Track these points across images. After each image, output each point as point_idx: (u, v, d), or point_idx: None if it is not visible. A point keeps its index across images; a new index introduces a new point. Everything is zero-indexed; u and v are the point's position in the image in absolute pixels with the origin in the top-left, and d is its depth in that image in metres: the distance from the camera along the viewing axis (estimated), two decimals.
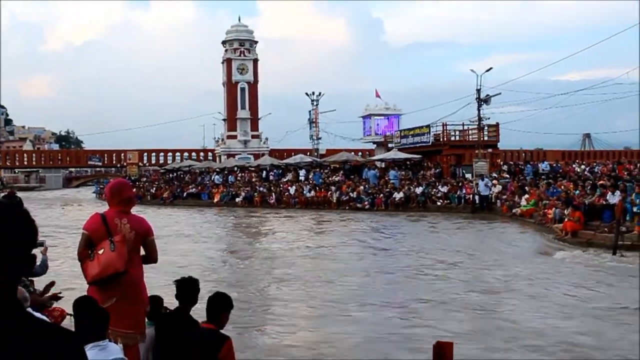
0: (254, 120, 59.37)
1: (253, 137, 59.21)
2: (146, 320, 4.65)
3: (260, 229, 23.48)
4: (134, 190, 52.59)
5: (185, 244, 18.48)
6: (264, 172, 45.56)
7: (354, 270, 13.19)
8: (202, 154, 63.51)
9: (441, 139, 38.47)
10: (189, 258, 15.46)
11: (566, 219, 18.19)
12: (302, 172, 41.46)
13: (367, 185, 34.30)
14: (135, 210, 4.78)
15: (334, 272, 12.82)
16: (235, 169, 48.98)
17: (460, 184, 30.72)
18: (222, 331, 4.07)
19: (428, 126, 39.25)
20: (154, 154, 62.37)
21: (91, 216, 4.58)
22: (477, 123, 34.26)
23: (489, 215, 26.35)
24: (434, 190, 31.06)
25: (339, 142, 54.56)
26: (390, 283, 11.73)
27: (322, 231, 22.28)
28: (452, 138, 39.46)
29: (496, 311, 9.35)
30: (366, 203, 31.89)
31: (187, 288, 4.56)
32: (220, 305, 4.14)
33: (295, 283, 11.70)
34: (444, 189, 30.61)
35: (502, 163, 34.84)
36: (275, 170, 44.57)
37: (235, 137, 58.84)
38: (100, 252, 4.37)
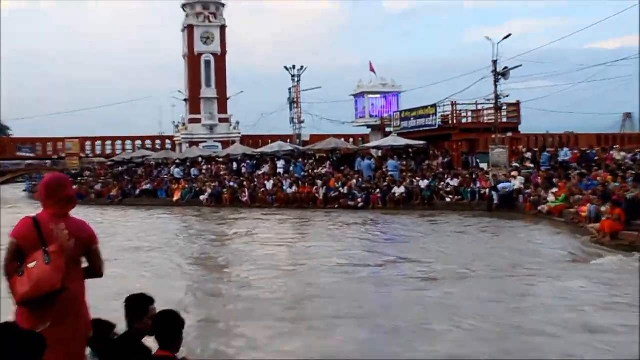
0: (222, 101, 59.28)
1: (221, 121, 59.15)
2: (88, 349, 4.58)
3: (228, 234, 23.37)
4: (75, 187, 52.48)
5: (137, 254, 18.37)
6: (235, 163, 45.54)
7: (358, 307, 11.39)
8: (158, 142, 63.25)
9: (450, 122, 38.64)
10: (139, 271, 15.35)
11: (604, 218, 18.25)
12: (281, 163, 41.53)
13: (360, 179, 34.35)
14: (76, 212, 4.68)
15: (330, 310, 11.03)
16: (200, 160, 48.93)
17: (473, 176, 30.82)
18: (178, 356, 4.08)
19: (434, 106, 39.40)
20: (98, 142, 62.01)
21: (20, 221, 4.51)
22: (493, 102, 34.35)
23: (510, 214, 26.51)
24: (442, 183, 31.16)
25: (325, 126, 54.61)
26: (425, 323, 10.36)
27: (306, 235, 22.23)
28: (464, 120, 39.61)
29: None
30: (359, 200, 31.94)
31: (139, 307, 4.49)
32: (172, 326, 4.15)
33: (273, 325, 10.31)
34: (454, 182, 30.73)
35: (524, 150, 34.99)
36: (248, 162, 44.66)
37: (198, 121, 58.72)
38: (32, 265, 4.32)
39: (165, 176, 45.04)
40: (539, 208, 25.07)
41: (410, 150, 39.86)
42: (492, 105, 35.16)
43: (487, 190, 28.85)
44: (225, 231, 24.79)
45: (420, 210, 29.40)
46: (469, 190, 29.83)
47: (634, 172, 22.97)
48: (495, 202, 28.15)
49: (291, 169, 39.89)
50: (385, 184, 32.52)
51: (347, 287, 12.95)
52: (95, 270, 4.67)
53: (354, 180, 34.12)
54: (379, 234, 21.92)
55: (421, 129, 40.15)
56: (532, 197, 26.21)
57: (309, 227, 25.52)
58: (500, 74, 33.23)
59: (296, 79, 54.29)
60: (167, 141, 62.89)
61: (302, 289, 12.87)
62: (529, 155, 33.65)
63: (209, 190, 38.48)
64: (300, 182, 35.66)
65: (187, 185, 40.82)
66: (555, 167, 30.03)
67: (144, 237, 22.63)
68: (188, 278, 14.91)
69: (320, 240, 20.26)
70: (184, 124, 60.04)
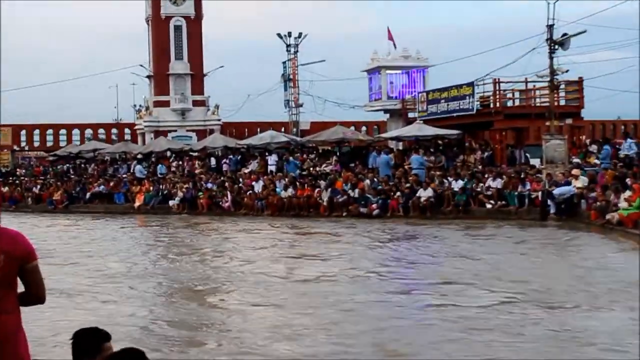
0: (197, 78, 59.35)
1: (196, 104, 59.25)
2: None
3: (202, 255, 23.34)
4: (5, 189, 52.14)
5: (86, 277, 18.35)
6: (214, 159, 45.50)
7: None
8: (114, 131, 63.38)
9: (491, 105, 38.56)
10: (89, 300, 15.32)
11: None
12: (272, 159, 41.56)
13: (375, 179, 34.34)
14: (7, 221, 4.64)
15: None
16: (168, 154, 48.94)
17: (522, 176, 30.79)
18: None
19: (471, 84, 39.41)
20: (36, 131, 62.08)
21: None
22: (547, 79, 34.26)
23: (569, 223, 26.46)
24: (481, 185, 31.13)
25: (331, 110, 54.74)
26: None
27: (310, 257, 22.12)
28: (509, 103, 39.57)
29: None
30: (374, 206, 31.97)
31: (90, 344, 4.46)
32: None
33: None
34: (497, 184, 30.70)
35: (588, 142, 34.97)
36: (231, 157, 44.75)
37: (166, 104, 58.80)
38: None
39: (124, 175, 45.08)
40: (607, 217, 25.00)
41: (440, 142, 39.76)
42: (546, 84, 35.05)
43: (540, 194, 28.81)
44: (199, 246, 24.73)
45: (452, 219, 29.37)
46: (516, 194, 29.78)
47: None
48: (551, 209, 28.10)
49: (286, 166, 39.87)
50: (408, 185, 32.48)
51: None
52: (35, 295, 4.63)
53: (368, 181, 34.10)
54: (418, 254, 21.63)
55: (454, 114, 40.19)
56: (598, 203, 26.14)
57: (311, 241, 25.43)
58: (557, 43, 33.11)
59: (292, 50, 54.49)
60: (126, 130, 63.10)
61: None
62: (594, 148, 33.64)
63: (181, 194, 38.49)
64: (298, 183, 35.63)
65: (152, 187, 40.86)
66: (630, 164, 29.91)
67: (93, 254, 22.60)
68: (150, 308, 14.86)
69: (332, 263, 20.09)
70: (147, 108, 60.14)
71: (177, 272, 19.05)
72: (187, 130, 58.12)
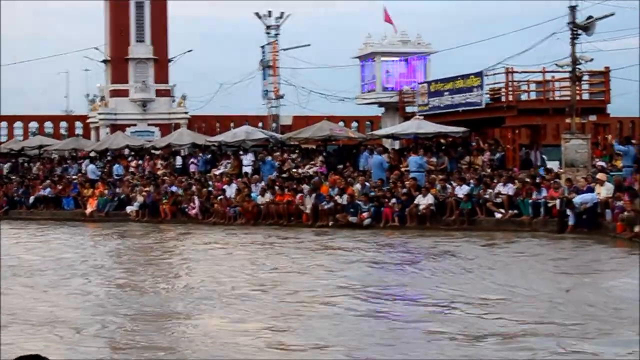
0: (161, 64, 59.03)
1: (159, 94, 58.90)
2: None
3: (164, 272, 23.16)
4: None
5: (25, 301, 18.16)
6: (179, 158, 45.32)
7: None
8: (63, 124, 62.95)
9: (503, 98, 38.53)
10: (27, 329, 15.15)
11: None
12: (248, 159, 41.48)
13: (367, 183, 34.26)
14: None
15: None
16: (127, 152, 48.74)
17: (537, 181, 30.73)
18: None
19: (479, 75, 39.37)
20: None
21: None
22: (568, 69, 34.20)
23: (591, 236, 26.48)
24: (490, 191, 31.05)
25: (316, 103, 54.55)
26: None
27: (290, 273, 21.96)
28: (524, 97, 39.52)
29: None
30: (365, 214, 31.92)
31: None
32: None
33: None
34: (508, 190, 30.65)
35: (615, 142, 34.89)
36: (200, 156, 44.71)
37: (125, 93, 58.44)
38: None
39: (74, 177, 44.83)
40: (636, 229, 24.96)
41: (442, 141, 39.71)
42: (567, 75, 35.00)
43: (558, 203, 28.74)
44: (160, 262, 24.57)
45: (455, 230, 29.42)
46: (530, 201, 29.73)
47: None
48: (570, 220, 28.04)
49: (262, 167, 39.66)
50: (405, 191, 32.42)
51: None
52: None
53: (358, 185, 34.04)
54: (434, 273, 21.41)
55: (460, 109, 40.13)
56: (626, 213, 26.08)
57: (290, 255, 25.23)
58: (580, 28, 33.07)
59: (273, 32, 54.33)
60: (78, 124, 62.61)
61: None
62: (620, 149, 33.53)
63: (140, 199, 38.37)
64: (277, 188, 35.48)
65: (106, 191, 40.66)
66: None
67: (34, 272, 22.35)
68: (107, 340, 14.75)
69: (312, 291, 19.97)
70: (102, 98, 59.78)
71: (136, 295, 18.85)
72: (149, 125, 57.63)
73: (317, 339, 13.58)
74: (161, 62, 58.93)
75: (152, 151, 48.53)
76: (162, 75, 59.23)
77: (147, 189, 39.21)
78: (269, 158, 40.60)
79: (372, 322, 14.89)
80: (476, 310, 15.84)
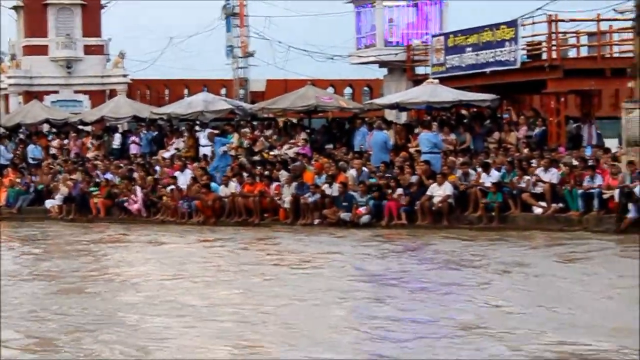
0: (92, 11, 58.93)
1: (89, 51, 58.84)
2: None
3: (92, 287, 23.22)
4: None
5: None
6: (118, 136, 45.22)
7: None
8: None
9: (545, 55, 38.62)
10: None
11: None
12: (204, 135, 41.36)
13: (365, 168, 34.37)
14: None
15: None
16: (46, 128, 48.69)
17: (589, 165, 30.80)
18: None
19: (513, 24, 39.37)
20: None
21: None
22: (632, 16, 34.31)
23: None
24: (526, 179, 31.06)
25: (297, 63, 54.55)
26: None
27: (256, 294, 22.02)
28: (571, 53, 39.52)
29: None
30: (363, 209, 32.01)
31: None
32: None
33: None
34: (551, 177, 30.65)
35: None
36: (144, 133, 44.89)
37: (44, 50, 58.35)
38: None
39: None
40: None
41: (464, 112, 39.79)
42: (629, 24, 35.11)
43: (617, 194, 28.82)
44: (88, 275, 24.54)
45: (481, 230, 29.64)
46: (580, 192, 29.80)
47: None
48: (631, 215, 28.17)
49: (226, 146, 39.32)
50: (415, 178, 32.51)
51: None
52: None
53: (353, 172, 34.10)
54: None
55: (487, 70, 40.24)
56: None
57: (262, 268, 25.24)
58: None
59: None
60: None
61: None
62: None
63: (64, 190, 38.39)
64: (245, 175, 35.52)
65: (19, 180, 40.68)
66: None
67: None
68: None
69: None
70: (13, 57, 59.69)
71: (60, 317, 18.88)
72: (76, 92, 57.64)
73: None
74: (91, 9, 58.92)
75: (80, 127, 48.43)
76: (92, 26, 59.17)
77: (73, 177, 39.23)
78: (243, 134, 40.62)
79: None
80: None
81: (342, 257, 25.58)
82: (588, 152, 33.29)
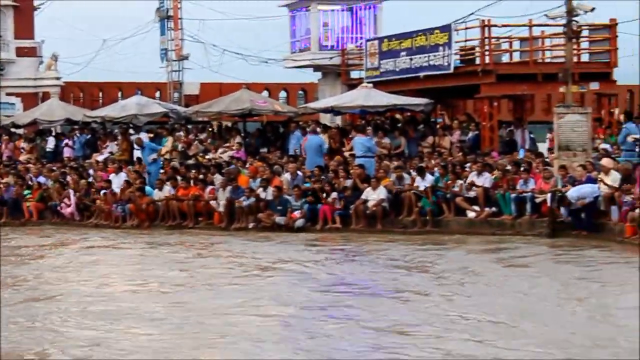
0: (24, 13, 58.52)
1: (21, 53, 58.44)
2: None
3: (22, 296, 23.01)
4: None
5: None
6: (51, 139, 45.00)
7: None
8: None
9: (478, 60, 38.81)
10: None
11: None
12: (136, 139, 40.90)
13: (300, 172, 34.39)
14: None
15: None
16: None
17: (522, 169, 30.98)
18: None
19: (447, 29, 39.52)
20: None
21: None
22: (563, 22, 34.51)
23: (592, 240, 26.83)
24: (460, 182, 31.20)
25: (231, 66, 54.45)
26: None
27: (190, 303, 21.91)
28: (504, 58, 39.74)
29: None
30: (297, 214, 32.05)
31: None
32: None
33: None
34: (484, 181, 30.83)
35: (623, 119, 35.30)
36: (77, 136, 44.68)
37: None
38: None
39: None
40: None
41: (398, 116, 39.88)
42: (561, 30, 35.32)
43: (549, 198, 29.02)
44: (20, 284, 24.33)
45: (414, 234, 29.69)
46: (513, 196, 29.98)
47: None
48: (564, 218, 28.36)
49: (143, 153, 39.01)
50: (349, 183, 32.56)
51: None
52: None
53: (288, 175, 34.14)
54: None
55: (421, 74, 40.36)
56: (637, 211, 26.40)
57: (196, 275, 25.15)
58: None
59: None
60: None
61: None
62: (632, 128, 33.80)
63: None
64: (179, 179, 35.43)
65: None
66: None
67: None
68: None
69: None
70: None
71: None
72: (8, 95, 57.12)
73: None
74: (24, 10, 58.46)
75: (12, 130, 48.12)
76: (25, 28, 58.72)
77: (4, 180, 38.91)
78: (177, 138, 40.47)
79: None
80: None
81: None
82: (521, 156, 33.50)
